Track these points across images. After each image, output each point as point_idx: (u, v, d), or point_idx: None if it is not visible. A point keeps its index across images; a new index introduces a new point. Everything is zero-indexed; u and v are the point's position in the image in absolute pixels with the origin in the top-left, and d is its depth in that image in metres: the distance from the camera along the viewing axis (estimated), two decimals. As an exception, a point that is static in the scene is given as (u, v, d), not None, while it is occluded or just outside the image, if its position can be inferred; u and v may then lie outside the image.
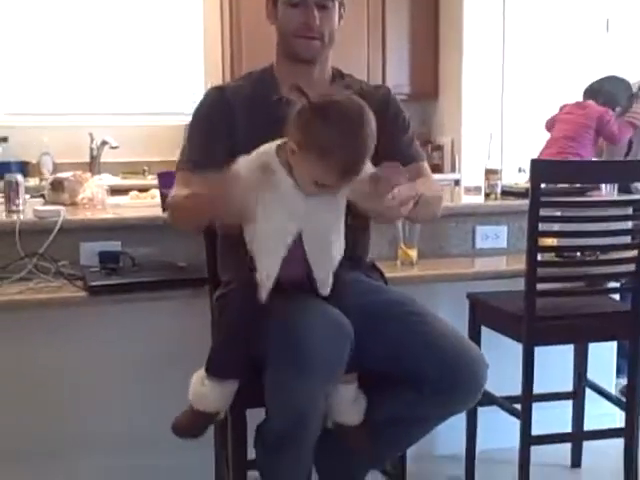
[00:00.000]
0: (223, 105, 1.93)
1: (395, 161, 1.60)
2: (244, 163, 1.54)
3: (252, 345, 1.62)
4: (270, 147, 1.58)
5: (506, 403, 2.34)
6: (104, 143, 4.78)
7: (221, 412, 1.69)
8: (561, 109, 4.23)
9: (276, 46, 1.98)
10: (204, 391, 1.67)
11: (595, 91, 4.13)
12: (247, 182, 1.49)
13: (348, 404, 1.71)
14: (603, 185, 2.67)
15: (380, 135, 1.89)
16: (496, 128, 4.92)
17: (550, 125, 4.24)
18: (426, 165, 2.04)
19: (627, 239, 2.29)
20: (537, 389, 2.22)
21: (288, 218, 1.58)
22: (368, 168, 1.55)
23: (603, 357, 2.80)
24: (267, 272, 1.60)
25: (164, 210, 2.40)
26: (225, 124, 1.90)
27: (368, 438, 1.74)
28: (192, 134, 1.94)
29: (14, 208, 2.41)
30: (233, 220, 1.61)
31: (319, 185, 1.51)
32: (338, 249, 1.67)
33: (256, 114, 1.89)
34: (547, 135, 4.23)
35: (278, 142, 1.58)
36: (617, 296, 2.52)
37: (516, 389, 2.23)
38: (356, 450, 1.77)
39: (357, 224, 1.82)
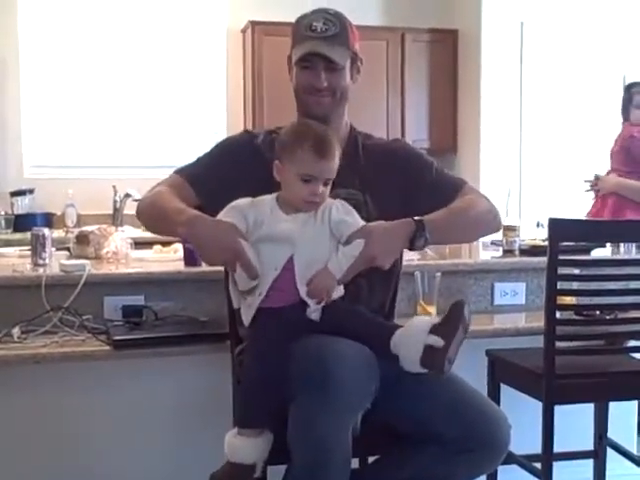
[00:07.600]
0: (248, 153, 1.99)
1: (438, 200, 1.86)
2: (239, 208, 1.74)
3: (279, 389, 1.62)
4: (271, 195, 1.78)
5: (526, 462, 2.32)
6: (127, 195, 4.86)
7: (258, 464, 1.68)
8: None
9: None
10: (237, 443, 1.67)
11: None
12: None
13: None
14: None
15: (409, 181, 1.98)
16: (514, 182, 4.96)
17: None
18: (467, 187, 2.03)
19: (646, 297, 2.30)
20: (557, 448, 2.20)
21: (280, 247, 1.69)
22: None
23: (624, 416, 2.77)
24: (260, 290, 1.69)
25: (187, 264, 2.45)
26: (237, 169, 1.96)
27: None
28: (206, 155, 2.06)
29: (41, 262, 2.45)
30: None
31: (307, 195, 1.69)
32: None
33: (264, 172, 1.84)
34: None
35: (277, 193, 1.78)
36: (637, 355, 2.51)
37: (536, 447, 2.21)
38: None
39: (372, 279, 1.85)
